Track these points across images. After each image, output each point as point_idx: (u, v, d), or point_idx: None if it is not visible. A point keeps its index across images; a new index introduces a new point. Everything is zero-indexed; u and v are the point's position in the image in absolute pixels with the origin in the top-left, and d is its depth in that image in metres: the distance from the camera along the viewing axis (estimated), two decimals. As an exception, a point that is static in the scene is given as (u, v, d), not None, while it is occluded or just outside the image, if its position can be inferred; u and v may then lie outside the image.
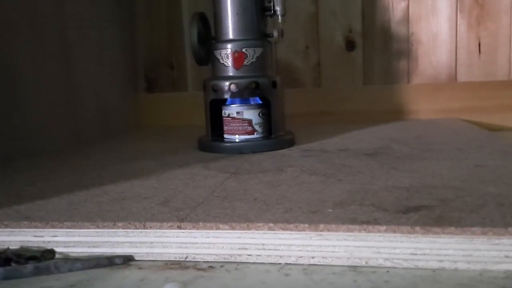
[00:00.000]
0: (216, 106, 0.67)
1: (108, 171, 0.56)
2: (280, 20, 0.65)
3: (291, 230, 0.33)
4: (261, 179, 0.48)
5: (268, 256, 0.33)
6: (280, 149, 0.65)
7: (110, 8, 0.95)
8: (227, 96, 0.64)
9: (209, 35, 0.68)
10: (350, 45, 1.00)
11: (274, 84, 0.65)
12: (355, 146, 0.65)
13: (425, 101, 0.96)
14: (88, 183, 0.49)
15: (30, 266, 0.32)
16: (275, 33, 0.65)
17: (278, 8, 0.65)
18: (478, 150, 0.58)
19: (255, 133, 0.65)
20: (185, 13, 1.04)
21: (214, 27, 0.66)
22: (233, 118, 0.65)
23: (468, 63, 0.95)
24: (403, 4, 0.96)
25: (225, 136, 0.66)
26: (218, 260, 0.34)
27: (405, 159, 0.54)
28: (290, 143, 0.67)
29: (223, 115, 0.66)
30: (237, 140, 0.65)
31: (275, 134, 0.66)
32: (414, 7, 0.96)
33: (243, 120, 0.65)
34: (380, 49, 0.99)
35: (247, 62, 0.63)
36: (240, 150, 0.64)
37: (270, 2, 0.65)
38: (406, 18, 0.97)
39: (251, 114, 0.65)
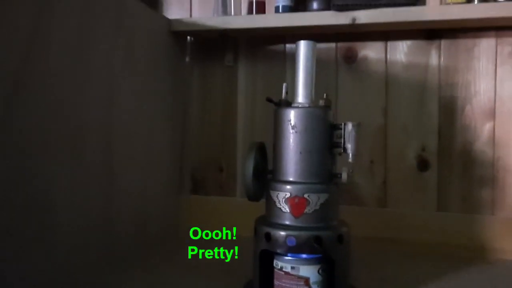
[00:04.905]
0: (267, 253, 0.56)
1: None
2: (350, 160, 0.55)
3: None
4: None
5: None
6: (343, 319, 0.52)
7: (163, 106, 0.89)
8: (281, 250, 0.53)
9: (266, 167, 0.59)
10: (422, 164, 0.88)
11: (340, 239, 0.53)
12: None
13: (514, 241, 0.81)
14: None
15: None
16: (344, 174, 0.55)
17: (349, 146, 0.55)
18: None
19: (312, 294, 0.53)
20: (240, 115, 0.97)
21: (273, 161, 0.57)
22: (286, 273, 0.54)
23: None
24: (487, 125, 0.84)
25: (275, 292, 0.55)
26: None
27: None
28: (355, 310, 0.54)
29: (274, 266, 0.55)
30: (289, 302, 0.53)
31: (337, 299, 0.53)
32: (500, 129, 0.83)
33: (299, 277, 0.53)
34: (459, 173, 0.86)
35: (309, 210, 0.53)
36: (292, 317, 0.51)
37: (340, 137, 0.55)
38: (492, 141, 0.84)
39: (308, 271, 0.53)
